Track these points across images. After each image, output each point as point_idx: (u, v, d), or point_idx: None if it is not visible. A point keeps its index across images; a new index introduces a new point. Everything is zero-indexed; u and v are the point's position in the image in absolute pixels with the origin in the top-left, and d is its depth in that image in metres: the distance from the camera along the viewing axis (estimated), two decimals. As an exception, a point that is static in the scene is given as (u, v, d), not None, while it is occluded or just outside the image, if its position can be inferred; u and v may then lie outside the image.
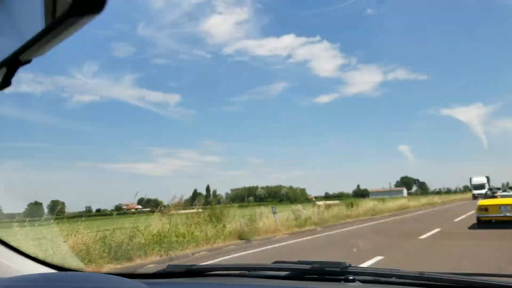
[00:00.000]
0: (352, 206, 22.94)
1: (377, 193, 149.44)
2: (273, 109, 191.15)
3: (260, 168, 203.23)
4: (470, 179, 52.70)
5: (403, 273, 1.30)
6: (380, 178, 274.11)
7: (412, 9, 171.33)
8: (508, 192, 15.06)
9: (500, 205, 11.88)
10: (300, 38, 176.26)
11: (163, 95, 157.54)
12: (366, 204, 25.94)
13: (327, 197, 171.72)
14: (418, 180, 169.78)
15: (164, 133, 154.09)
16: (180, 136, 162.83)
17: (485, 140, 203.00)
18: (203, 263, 3.72)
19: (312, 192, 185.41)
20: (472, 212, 14.55)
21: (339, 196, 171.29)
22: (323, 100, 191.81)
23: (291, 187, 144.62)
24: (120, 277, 1.03)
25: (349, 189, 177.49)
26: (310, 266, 1.33)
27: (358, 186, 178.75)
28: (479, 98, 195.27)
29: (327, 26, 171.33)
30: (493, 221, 11.97)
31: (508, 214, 11.53)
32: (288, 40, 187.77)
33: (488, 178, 49.72)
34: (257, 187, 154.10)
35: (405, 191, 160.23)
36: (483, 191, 37.58)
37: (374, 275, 1.32)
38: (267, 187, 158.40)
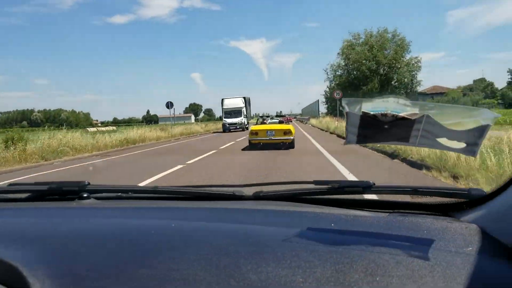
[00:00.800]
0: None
1: (166, 118, 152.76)
2: (63, 26, 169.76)
3: (47, 90, 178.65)
4: (222, 101, 34.61)
5: (139, 188, 1.48)
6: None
7: None
8: (275, 119, 17.22)
9: (267, 130, 13.31)
10: None
11: None
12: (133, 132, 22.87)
13: (115, 122, 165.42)
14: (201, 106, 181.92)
15: None
16: None
17: (266, 72, 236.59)
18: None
19: (100, 117, 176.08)
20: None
21: (129, 122, 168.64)
22: (118, 20, 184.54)
23: (73, 111, 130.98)
24: None
25: (140, 114, 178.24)
26: (48, 186, 1.36)
27: (148, 111, 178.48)
28: (263, 33, 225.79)
29: None
30: (261, 143, 13.32)
31: (272, 138, 13.12)
32: None
33: (246, 99, 35.11)
34: (32, 111, 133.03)
35: (193, 117, 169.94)
36: (238, 120, 32.19)
37: (110, 192, 1.39)
38: (45, 110, 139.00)
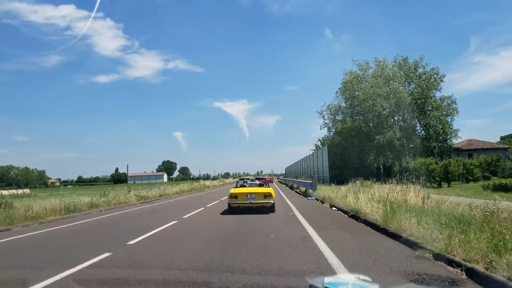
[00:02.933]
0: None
1: (136, 177, 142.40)
2: (46, 83, 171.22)
3: (24, 147, 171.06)
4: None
5: None
6: (149, 162, 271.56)
7: (198, 3, 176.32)
8: (255, 181, 16.24)
9: (247, 193, 13.05)
10: (81, 11, 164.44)
11: None
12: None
13: (79, 182, 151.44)
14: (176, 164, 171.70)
15: None
16: None
17: (247, 132, 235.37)
18: None
19: (63, 176, 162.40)
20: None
21: (95, 181, 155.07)
22: (102, 79, 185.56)
23: (26, 168, 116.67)
24: None
25: (109, 172, 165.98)
26: None
27: (116, 169, 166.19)
28: (245, 96, 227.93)
29: (112, 4, 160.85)
30: (241, 207, 13.09)
31: (252, 202, 12.89)
32: (67, 10, 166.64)
33: None
34: None
35: (165, 176, 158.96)
36: None
37: None
38: None
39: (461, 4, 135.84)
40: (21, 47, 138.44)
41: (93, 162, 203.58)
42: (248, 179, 17.45)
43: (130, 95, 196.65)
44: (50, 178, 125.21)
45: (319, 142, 56.14)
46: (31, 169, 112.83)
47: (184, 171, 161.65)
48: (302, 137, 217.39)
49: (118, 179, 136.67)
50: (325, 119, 39.53)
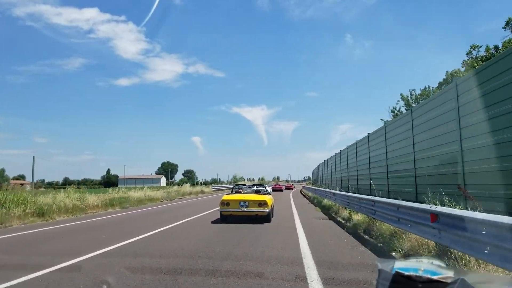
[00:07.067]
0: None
1: (130, 180, 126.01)
2: (68, 86, 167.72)
3: (45, 148, 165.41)
4: None
5: None
6: (148, 165, 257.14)
7: (218, 8, 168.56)
8: (252, 188, 14.93)
9: (240, 201, 12.17)
10: (104, 14, 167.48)
11: None
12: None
13: (65, 184, 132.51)
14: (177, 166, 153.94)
15: None
16: None
17: (265, 138, 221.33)
18: None
19: (48, 177, 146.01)
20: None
21: (83, 183, 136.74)
22: (123, 83, 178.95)
23: None
24: None
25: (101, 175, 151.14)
26: None
27: (108, 171, 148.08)
28: (264, 101, 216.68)
29: (134, 7, 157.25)
30: (233, 215, 12.30)
31: (245, 210, 12.01)
32: (91, 14, 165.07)
33: None
34: None
35: (163, 179, 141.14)
36: None
37: None
38: None
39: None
40: (44, 49, 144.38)
41: (97, 164, 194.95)
42: (245, 185, 15.76)
43: (149, 98, 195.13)
44: (16, 178, 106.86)
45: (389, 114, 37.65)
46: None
47: (189, 174, 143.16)
48: (321, 143, 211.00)
49: (108, 182, 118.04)
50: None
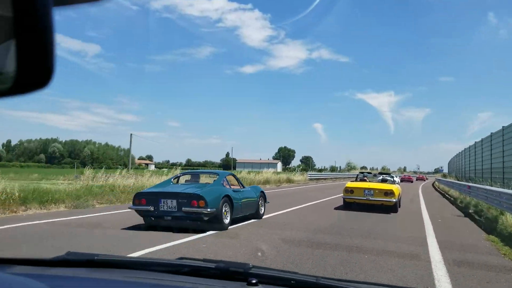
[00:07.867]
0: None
1: (247, 164, 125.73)
2: (197, 74, 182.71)
3: (177, 132, 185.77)
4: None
5: (301, 278, 1.37)
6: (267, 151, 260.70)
7: None
8: (378, 176, 15.00)
9: (364, 189, 12.03)
10: (232, 3, 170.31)
11: (80, 43, 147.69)
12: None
13: (188, 165, 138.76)
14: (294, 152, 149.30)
15: (79, 85, 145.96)
16: (96, 90, 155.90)
17: (392, 126, 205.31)
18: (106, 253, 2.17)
19: (174, 159, 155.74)
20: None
21: (203, 165, 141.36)
22: (248, 70, 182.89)
23: (106, 145, 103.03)
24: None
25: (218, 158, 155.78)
26: (215, 265, 1.41)
27: (227, 154, 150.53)
28: (392, 87, 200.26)
29: None
30: (356, 203, 12.14)
31: (370, 198, 11.81)
32: (220, 3, 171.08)
33: None
34: (55, 140, 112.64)
35: (279, 164, 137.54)
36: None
37: (274, 279, 1.36)
38: (65, 142, 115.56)
39: None
40: (178, 39, 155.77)
41: (221, 148, 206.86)
42: (369, 173, 16.07)
43: (272, 85, 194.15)
44: (143, 158, 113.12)
45: None
46: (112, 145, 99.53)
47: (306, 161, 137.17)
48: (455, 134, 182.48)
49: (226, 164, 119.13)
50: None
